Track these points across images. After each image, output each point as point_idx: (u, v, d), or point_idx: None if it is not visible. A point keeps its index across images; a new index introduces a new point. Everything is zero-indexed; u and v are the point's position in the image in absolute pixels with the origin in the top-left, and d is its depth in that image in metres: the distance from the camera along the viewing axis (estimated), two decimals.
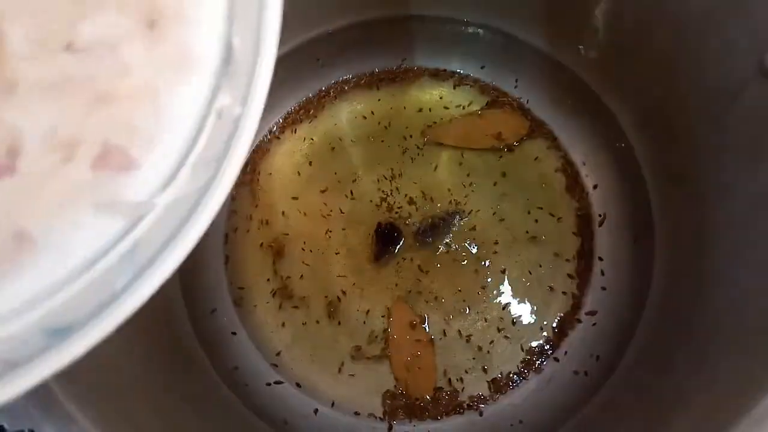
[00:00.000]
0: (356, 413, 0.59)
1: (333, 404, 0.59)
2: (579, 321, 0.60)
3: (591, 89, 0.64)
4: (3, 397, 0.23)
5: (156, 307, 0.56)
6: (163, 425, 0.46)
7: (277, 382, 0.60)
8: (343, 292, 0.62)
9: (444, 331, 0.60)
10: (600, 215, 0.63)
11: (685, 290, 0.52)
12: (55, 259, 0.25)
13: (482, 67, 0.70)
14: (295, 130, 0.69)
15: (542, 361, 0.59)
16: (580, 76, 0.64)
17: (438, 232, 0.63)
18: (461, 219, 0.63)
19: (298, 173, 0.67)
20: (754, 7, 0.42)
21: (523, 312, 0.61)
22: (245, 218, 0.66)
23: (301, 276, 0.63)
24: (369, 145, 0.68)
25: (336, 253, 0.63)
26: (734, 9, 0.44)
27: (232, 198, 0.66)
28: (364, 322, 0.61)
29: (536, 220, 0.64)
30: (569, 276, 0.62)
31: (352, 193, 0.65)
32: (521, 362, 0.59)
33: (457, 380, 0.59)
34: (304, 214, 0.65)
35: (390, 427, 0.58)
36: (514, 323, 0.60)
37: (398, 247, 0.63)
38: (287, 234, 0.64)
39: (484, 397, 0.58)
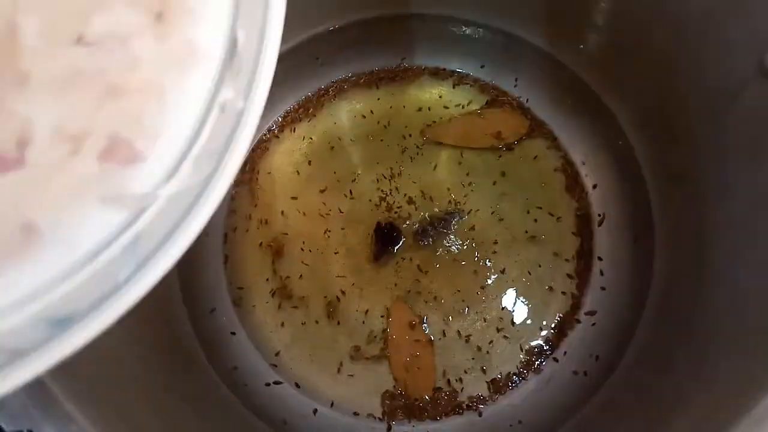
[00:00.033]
0: (355, 413, 0.59)
1: (332, 404, 0.59)
2: (578, 321, 0.60)
3: (591, 89, 0.64)
4: (9, 386, 0.23)
5: (155, 307, 0.56)
6: (163, 425, 0.46)
7: (276, 382, 0.60)
8: (343, 292, 0.62)
9: (443, 331, 0.60)
10: (599, 215, 0.63)
11: (685, 290, 0.52)
12: (60, 251, 0.25)
13: (482, 67, 0.70)
14: (294, 129, 0.69)
15: (541, 362, 0.59)
16: (580, 75, 0.64)
17: (437, 231, 0.63)
18: (461, 219, 0.63)
19: (297, 172, 0.67)
20: (754, 7, 0.42)
21: (523, 312, 0.61)
22: (244, 218, 0.66)
23: (301, 276, 0.63)
24: (368, 144, 0.68)
25: (335, 253, 0.63)
26: (734, 9, 0.44)
27: (231, 197, 0.66)
28: (364, 322, 0.61)
29: (535, 220, 0.64)
30: (568, 276, 0.62)
31: (351, 192, 0.65)
32: (520, 362, 0.59)
33: (457, 380, 0.59)
34: (304, 213, 0.65)
35: (389, 428, 0.58)
36: (513, 323, 0.60)
37: (398, 246, 0.62)
38: (286, 233, 0.64)
39: (484, 398, 0.58)
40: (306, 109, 0.70)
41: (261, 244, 0.64)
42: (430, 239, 0.62)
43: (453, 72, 0.70)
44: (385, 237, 0.62)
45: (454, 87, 0.70)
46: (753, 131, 0.45)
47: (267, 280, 0.63)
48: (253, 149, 0.68)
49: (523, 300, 0.61)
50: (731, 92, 0.46)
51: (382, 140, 0.68)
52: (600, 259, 0.62)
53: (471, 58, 0.70)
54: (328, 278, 0.63)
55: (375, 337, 0.60)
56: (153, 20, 0.28)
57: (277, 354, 0.61)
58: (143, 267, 0.25)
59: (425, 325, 0.60)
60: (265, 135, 0.69)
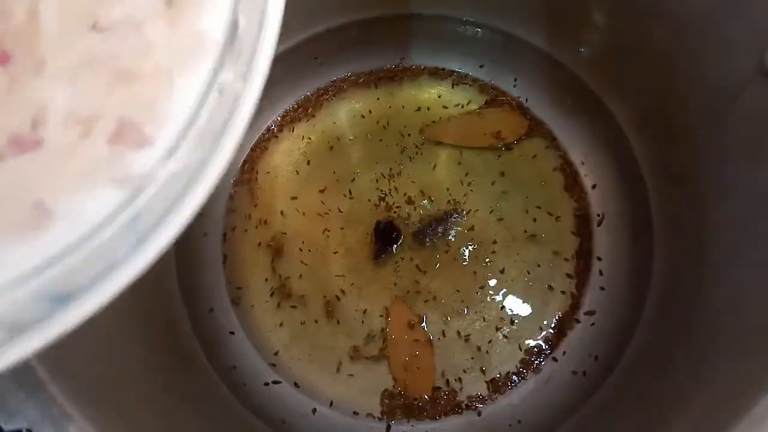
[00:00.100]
0: (354, 413, 0.59)
1: (331, 404, 0.59)
2: (578, 321, 0.60)
3: (590, 89, 0.64)
4: (9, 361, 0.24)
5: (154, 307, 0.56)
6: (162, 425, 0.46)
7: (275, 382, 0.60)
8: (342, 292, 0.62)
9: (443, 331, 0.60)
10: (599, 215, 0.63)
11: (684, 290, 0.52)
12: (64, 229, 0.26)
13: (481, 66, 0.70)
14: (294, 128, 0.69)
15: (541, 361, 0.59)
16: (580, 75, 0.64)
17: (436, 231, 0.63)
18: (460, 218, 0.63)
19: (297, 172, 0.67)
20: (754, 7, 0.42)
21: (522, 311, 0.61)
22: (243, 217, 0.65)
23: (300, 275, 0.63)
24: (367, 144, 0.68)
25: (334, 253, 0.63)
26: (734, 9, 0.44)
27: (231, 197, 0.66)
28: (363, 322, 0.61)
29: (535, 220, 0.64)
30: (568, 275, 0.62)
31: (350, 192, 0.65)
32: (520, 362, 0.59)
33: (456, 380, 0.59)
34: (303, 213, 0.65)
35: (388, 427, 0.58)
36: (512, 323, 0.60)
37: (397, 246, 0.62)
38: (285, 233, 0.64)
39: (483, 397, 0.58)
40: (305, 109, 0.70)
41: (260, 243, 0.64)
42: (430, 239, 0.62)
43: (452, 72, 0.70)
44: (384, 236, 0.62)
45: (453, 87, 0.70)
46: (753, 131, 0.45)
47: (266, 279, 0.63)
48: (252, 149, 0.68)
49: (523, 300, 0.61)
50: (731, 92, 0.46)
51: (381, 140, 0.68)
52: (599, 259, 0.62)
53: (470, 58, 0.70)
54: (328, 278, 0.63)
55: (374, 336, 0.60)
56: (164, 6, 0.29)
57: (276, 353, 0.61)
58: (142, 245, 0.25)
59: (424, 324, 0.60)
60: (264, 135, 0.69)
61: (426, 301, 0.61)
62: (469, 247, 0.62)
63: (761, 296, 0.41)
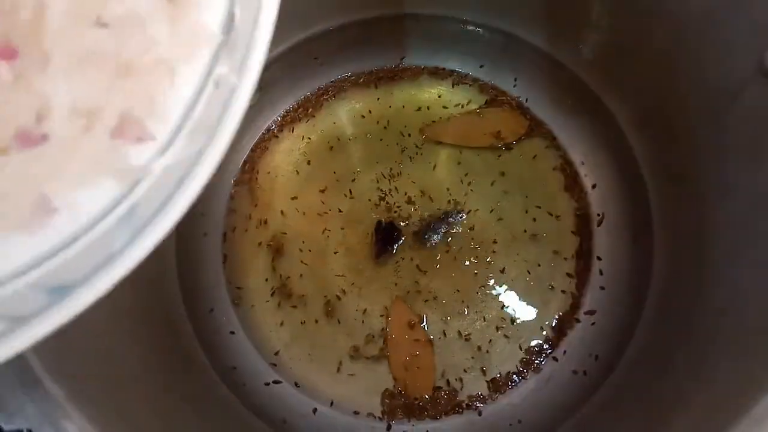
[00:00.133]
0: (355, 413, 0.59)
1: (332, 404, 0.59)
2: (578, 320, 0.60)
3: (590, 89, 0.64)
4: (9, 352, 0.24)
5: (154, 307, 0.56)
6: (162, 425, 0.46)
7: (276, 382, 0.60)
8: (342, 292, 0.62)
9: (443, 330, 0.60)
10: (599, 215, 0.63)
11: (684, 290, 0.52)
12: (64, 222, 0.27)
13: (481, 66, 0.70)
14: (294, 128, 0.69)
15: (541, 361, 0.59)
16: (580, 75, 0.64)
17: (437, 231, 0.63)
18: (460, 218, 0.63)
19: (297, 172, 0.67)
20: (754, 7, 0.42)
21: (522, 311, 0.61)
22: (244, 217, 0.65)
23: (300, 275, 0.63)
24: (367, 144, 0.68)
25: (335, 253, 0.63)
26: (734, 9, 0.44)
27: (231, 197, 0.66)
28: (363, 322, 0.61)
29: (534, 219, 0.64)
30: (568, 275, 0.62)
31: (350, 192, 0.65)
32: (520, 362, 0.59)
33: (456, 380, 0.59)
34: (303, 213, 0.65)
35: (389, 427, 0.58)
36: (513, 322, 0.60)
37: (397, 246, 0.62)
38: (286, 233, 0.64)
39: (483, 397, 0.58)
40: (305, 109, 0.70)
41: (260, 243, 0.64)
42: (430, 239, 0.62)
43: (452, 72, 0.70)
44: (385, 236, 0.62)
45: (453, 86, 0.70)
46: (753, 131, 0.45)
47: (266, 279, 0.63)
48: (252, 149, 0.68)
49: (523, 299, 0.61)
50: (731, 92, 0.46)
51: (381, 140, 0.68)
52: (599, 258, 0.62)
53: (470, 58, 0.70)
54: (328, 278, 0.63)
55: (374, 336, 0.60)
56: (167, 1, 0.29)
57: (276, 353, 0.61)
58: (137, 237, 0.26)
59: (425, 324, 0.60)
60: (264, 135, 0.69)
61: (426, 300, 0.61)
62: (470, 247, 0.62)
63: (761, 296, 0.41)
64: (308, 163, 0.67)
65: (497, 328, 0.60)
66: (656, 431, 0.43)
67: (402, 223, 0.63)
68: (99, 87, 0.28)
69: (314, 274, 0.63)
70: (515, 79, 0.69)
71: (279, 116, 0.69)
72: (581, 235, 0.63)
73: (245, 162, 0.68)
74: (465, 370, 0.59)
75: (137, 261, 0.25)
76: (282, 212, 0.65)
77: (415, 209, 0.64)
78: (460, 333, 0.60)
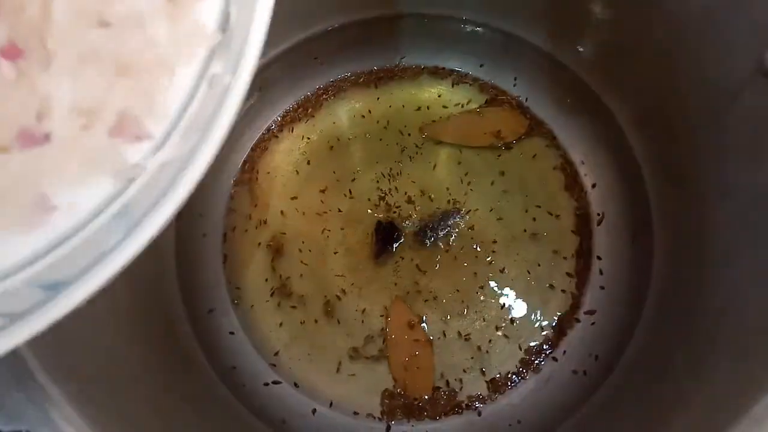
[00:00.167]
0: (355, 413, 0.59)
1: (331, 404, 0.59)
2: (578, 320, 0.60)
3: (590, 88, 0.64)
4: (6, 347, 0.24)
5: (154, 307, 0.56)
6: (162, 425, 0.46)
7: (275, 382, 0.60)
8: (342, 292, 0.62)
9: (443, 330, 0.60)
10: (599, 214, 0.63)
11: (684, 290, 0.52)
12: (60, 220, 0.27)
13: (481, 66, 0.70)
14: (293, 128, 0.69)
15: (541, 361, 0.59)
16: (580, 75, 0.64)
17: (436, 231, 0.63)
18: (460, 218, 0.63)
19: (297, 172, 0.67)
20: (754, 7, 0.42)
21: (522, 311, 0.61)
22: (244, 217, 0.65)
23: (300, 275, 0.63)
24: (367, 143, 0.68)
25: (334, 253, 0.63)
26: (734, 9, 0.44)
27: (231, 197, 0.66)
28: (363, 322, 0.61)
29: (534, 219, 0.64)
30: (568, 274, 0.62)
31: (350, 192, 0.65)
32: (520, 362, 0.59)
33: (456, 380, 0.59)
34: (303, 213, 0.65)
35: (388, 427, 0.58)
36: (512, 322, 0.60)
37: (397, 245, 0.62)
38: (285, 233, 0.64)
39: (483, 397, 0.58)
40: (305, 109, 0.70)
41: (260, 243, 0.64)
42: (430, 238, 0.62)
43: (452, 71, 0.70)
44: (385, 236, 0.62)
45: (453, 86, 0.70)
46: (753, 131, 0.45)
47: (266, 279, 0.63)
48: (252, 149, 0.68)
49: (523, 299, 0.61)
50: (731, 92, 0.46)
51: (381, 139, 0.68)
52: (599, 258, 0.62)
53: (470, 58, 0.70)
54: (328, 278, 0.62)
55: (374, 336, 0.60)
56: (166, 1, 0.29)
57: (276, 354, 0.61)
58: (131, 234, 0.26)
59: (424, 324, 0.60)
60: (264, 134, 0.69)
61: (426, 300, 0.61)
62: (469, 247, 0.62)
63: (761, 296, 0.41)
64: (308, 163, 0.67)
65: (497, 328, 0.60)
66: (656, 431, 0.43)
67: (402, 223, 0.63)
68: (99, 86, 0.28)
69: (314, 274, 0.63)
70: (515, 79, 0.69)
71: (279, 116, 0.69)
72: (581, 235, 0.63)
73: (245, 162, 0.68)
74: (464, 371, 0.59)
75: (131, 257, 0.25)
76: (282, 212, 0.65)
77: (415, 209, 0.64)
78: (459, 333, 0.60)
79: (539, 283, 0.61)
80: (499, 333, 0.60)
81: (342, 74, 0.71)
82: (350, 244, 0.63)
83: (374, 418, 0.58)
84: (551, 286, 0.61)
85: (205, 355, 0.58)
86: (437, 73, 0.70)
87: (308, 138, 0.68)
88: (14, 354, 0.34)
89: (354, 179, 0.66)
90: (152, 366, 0.50)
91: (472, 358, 0.59)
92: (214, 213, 0.65)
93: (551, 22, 0.63)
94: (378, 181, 0.65)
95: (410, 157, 0.66)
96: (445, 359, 0.59)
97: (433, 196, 0.64)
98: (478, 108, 0.68)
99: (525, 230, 0.63)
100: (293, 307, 0.62)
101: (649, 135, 0.59)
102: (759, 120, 0.44)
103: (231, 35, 0.29)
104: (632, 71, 0.58)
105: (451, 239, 0.63)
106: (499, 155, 0.66)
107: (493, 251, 0.62)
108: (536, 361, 0.59)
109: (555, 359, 0.59)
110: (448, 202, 0.64)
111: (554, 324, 0.60)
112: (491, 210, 0.64)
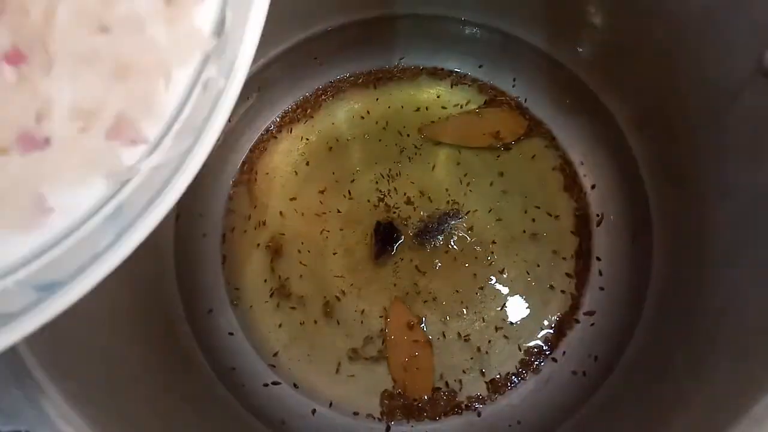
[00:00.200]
0: (354, 414, 0.58)
1: (331, 405, 0.59)
2: (577, 321, 0.60)
3: (589, 89, 0.64)
4: (2, 345, 0.25)
5: (154, 307, 0.56)
6: (161, 425, 0.46)
7: (275, 383, 0.60)
8: (342, 292, 0.62)
9: (442, 331, 0.60)
10: (598, 215, 0.63)
11: (684, 290, 0.52)
12: (56, 222, 0.27)
13: (480, 66, 0.70)
14: (292, 129, 0.69)
15: (540, 362, 0.59)
16: (579, 75, 0.64)
17: (436, 232, 0.63)
18: (459, 218, 0.63)
19: (296, 173, 0.67)
20: (754, 7, 0.42)
21: (522, 312, 0.61)
22: (243, 218, 0.65)
23: (299, 276, 0.63)
24: (366, 144, 0.68)
25: (334, 253, 0.63)
26: (734, 9, 0.44)
27: (230, 198, 0.66)
28: (362, 323, 0.61)
29: (534, 220, 0.63)
30: (567, 275, 0.62)
31: (349, 192, 0.65)
32: (519, 362, 0.59)
33: (455, 381, 0.59)
34: (302, 214, 0.65)
35: (388, 428, 0.58)
36: (512, 323, 0.60)
37: (396, 246, 0.62)
38: (284, 234, 0.64)
39: (483, 398, 0.58)
40: (304, 110, 0.70)
41: (259, 244, 0.64)
42: (429, 239, 0.62)
43: (451, 72, 0.70)
44: (384, 236, 0.62)
45: (452, 87, 0.70)
46: (753, 131, 0.45)
47: (265, 280, 0.63)
48: (251, 150, 0.68)
49: (522, 300, 0.61)
50: (731, 92, 0.46)
51: (380, 140, 0.68)
52: (599, 258, 0.62)
53: (469, 58, 0.70)
54: (327, 278, 0.62)
55: (373, 337, 0.60)
56: (164, 4, 0.29)
57: (275, 354, 0.61)
58: (123, 235, 0.26)
59: (424, 325, 0.60)
60: (263, 135, 0.69)
61: (425, 301, 0.61)
62: (469, 248, 0.62)
63: (761, 296, 0.41)
64: (307, 163, 0.67)
65: (496, 329, 0.60)
66: (656, 431, 0.43)
67: (401, 224, 0.63)
68: (98, 88, 0.28)
69: (313, 274, 0.63)
70: (514, 79, 0.69)
71: (278, 117, 0.69)
72: (580, 235, 0.63)
73: (244, 163, 0.68)
74: (464, 371, 0.59)
75: (123, 258, 0.26)
76: (281, 213, 0.65)
77: (414, 210, 0.64)
78: (459, 334, 0.60)
79: (539, 284, 0.61)
80: (499, 333, 0.60)
81: (341, 75, 0.71)
82: (349, 244, 0.63)
83: (374, 418, 0.58)
84: (551, 287, 0.61)
85: (204, 356, 0.58)
86: (436, 74, 0.70)
87: (307, 139, 0.68)
88: (12, 352, 0.34)
89: (353, 180, 0.66)
90: (152, 366, 0.50)
91: (471, 358, 0.59)
92: (213, 213, 0.65)
93: (550, 22, 0.63)
94: (377, 182, 0.65)
95: (409, 157, 0.66)
96: (444, 360, 0.59)
97: (432, 196, 0.64)
98: (477, 109, 0.68)
99: (524, 231, 0.63)
100: (292, 307, 0.62)
101: (649, 135, 0.59)
102: (759, 120, 0.44)
103: (226, 39, 0.29)
104: (632, 71, 0.58)
105: (451, 240, 0.63)
106: (498, 156, 0.66)
107: (493, 252, 0.62)
108: (536, 362, 0.59)
109: (554, 360, 0.59)
110: (448, 202, 0.64)
111: (554, 325, 0.60)
112: (490, 211, 0.64)
